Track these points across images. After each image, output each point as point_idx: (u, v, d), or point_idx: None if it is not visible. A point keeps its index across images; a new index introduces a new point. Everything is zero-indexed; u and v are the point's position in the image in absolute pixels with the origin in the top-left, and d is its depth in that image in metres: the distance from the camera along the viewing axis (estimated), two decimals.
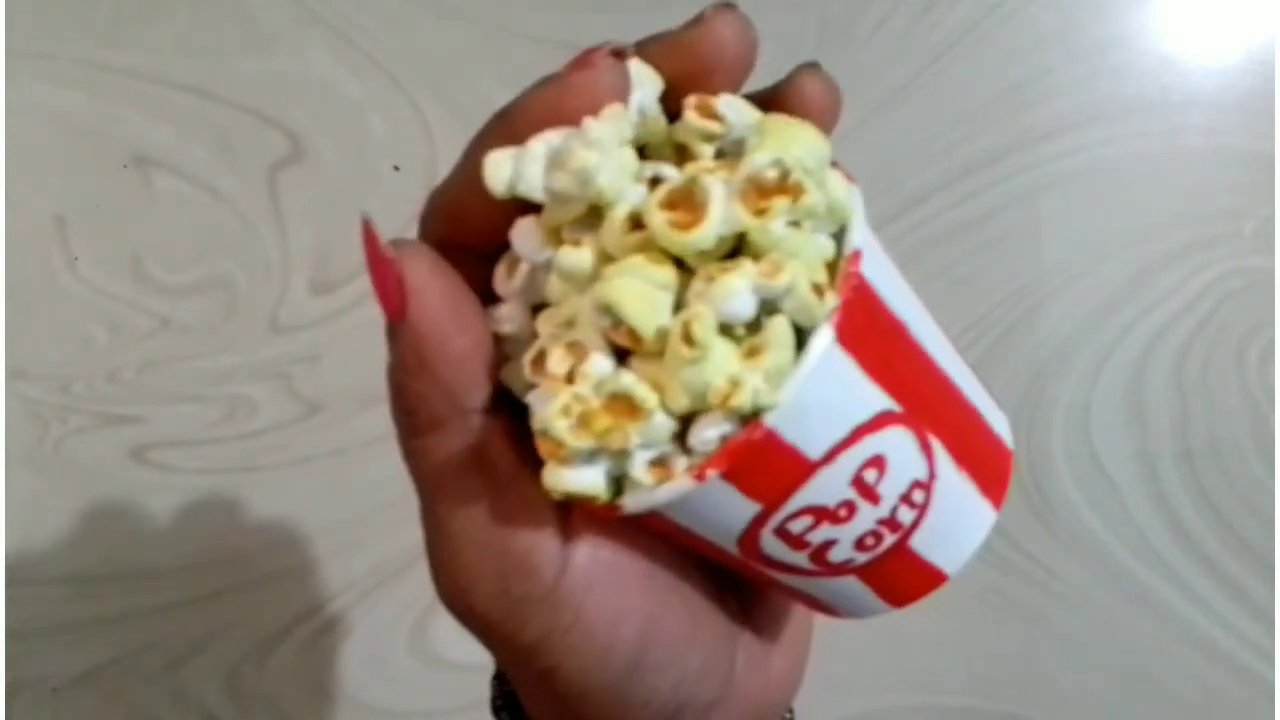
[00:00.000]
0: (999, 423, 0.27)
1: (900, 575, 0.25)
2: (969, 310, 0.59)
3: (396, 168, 0.57)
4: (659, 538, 0.25)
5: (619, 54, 0.22)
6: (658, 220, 0.21)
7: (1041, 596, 0.60)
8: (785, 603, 0.29)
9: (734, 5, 0.23)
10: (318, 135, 0.57)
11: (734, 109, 0.22)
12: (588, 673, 0.24)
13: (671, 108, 0.23)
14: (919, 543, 0.25)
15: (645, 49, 0.23)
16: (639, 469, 0.22)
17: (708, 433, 0.21)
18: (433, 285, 0.22)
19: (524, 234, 0.23)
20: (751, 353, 0.21)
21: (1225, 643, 0.59)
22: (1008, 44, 0.59)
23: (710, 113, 0.22)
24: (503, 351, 0.24)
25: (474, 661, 0.56)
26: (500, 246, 0.23)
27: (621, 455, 0.22)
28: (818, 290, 0.21)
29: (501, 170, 0.22)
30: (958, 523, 0.25)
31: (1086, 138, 0.59)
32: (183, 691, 0.55)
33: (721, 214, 0.21)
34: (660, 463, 0.22)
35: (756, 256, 0.21)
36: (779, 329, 0.21)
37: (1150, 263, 0.59)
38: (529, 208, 0.22)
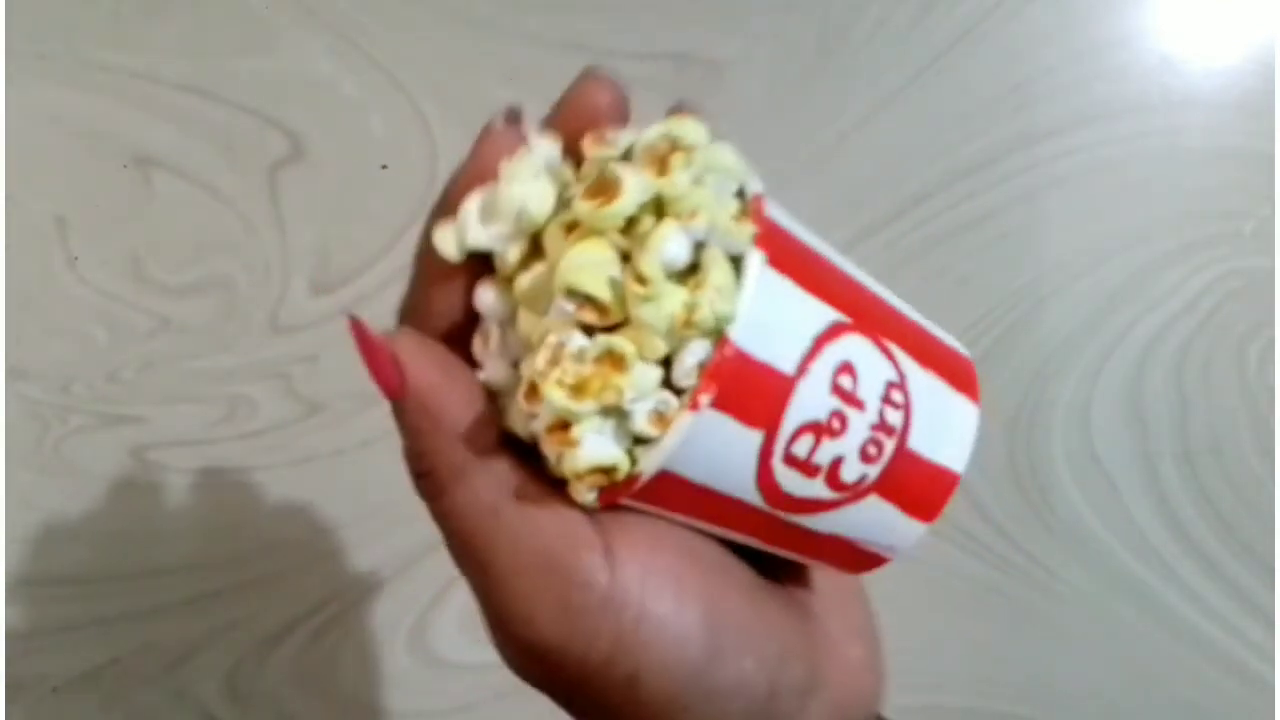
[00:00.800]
0: (948, 338, 0.29)
1: (915, 481, 0.27)
2: (969, 310, 0.59)
3: (384, 166, 0.57)
4: (692, 524, 0.26)
5: (513, 114, 0.26)
6: (585, 208, 0.24)
7: (1041, 596, 0.60)
8: (838, 587, 0.30)
9: (598, 69, 0.26)
10: (318, 135, 0.57)
11: (626, 134, 0.25)
12: (670, 668, 0.25)
13: (576, 165, 0.26)
14: (917, 442, 0.26)
15: (541, 124, 0.26)
16: (642, 422, 0.24)
17: (687, 361, 0.24)
18: (423, 355, 0.25)
19: (484, 295, 0.25)
20: (699, 284, 0.23)
21: (1225, 642, 0.59)
22: (1008, 44, 0.60)
23: (604, 140, 0.25)
24: (498, 408, 0.26)
25: (473, 661, 0.56)
26: (467, 330, 0.26)
27: (622, 415, 0.24)
28: (737, 223, 0.24)
29: (447, 238, 0.25)
30: (945, 418, 0.27)
31: (1086, 138, 0.59)
32: (182, 691, 0.55)
33: (635, 182, 0.24)
34: (660, 417, 0.24)
35: (678, 215, 0.24)
36: (714, 255, 0.24)
37: (1150, 262, 0.59)
38: (477, 279, 0.26)
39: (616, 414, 0.24)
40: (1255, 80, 0.59)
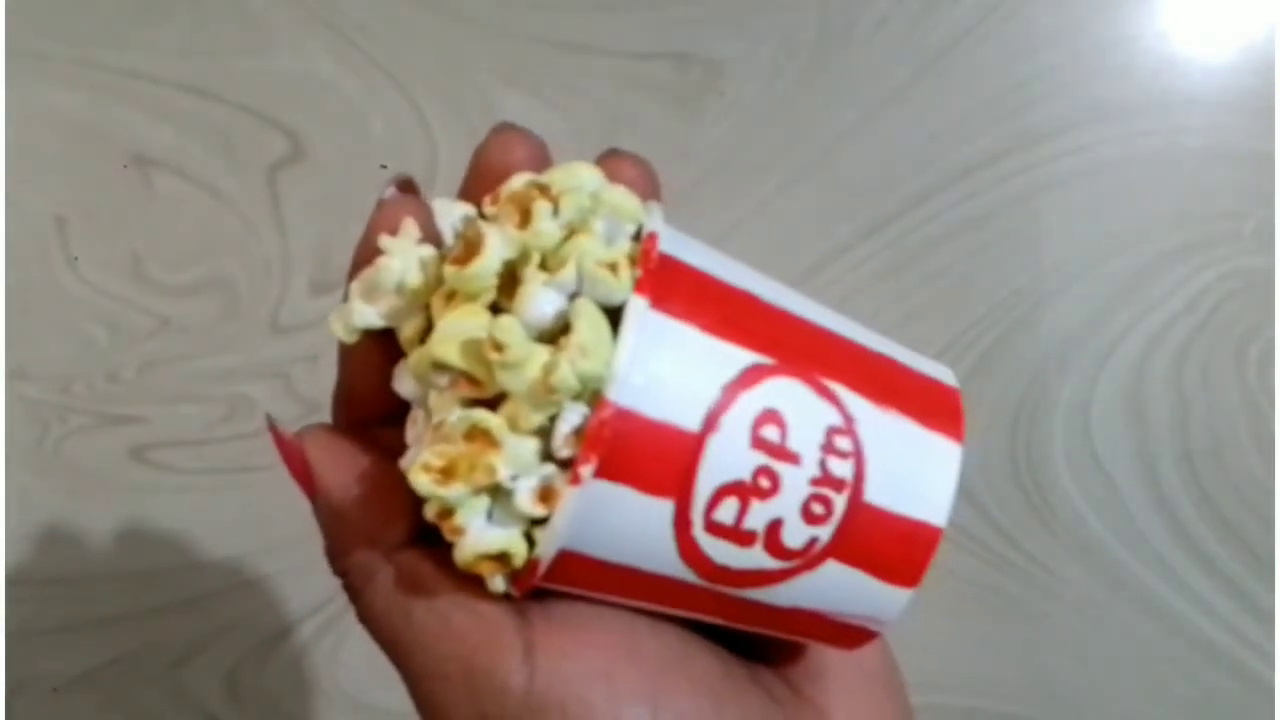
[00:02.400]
0: (925, 365, 0.26)
1: (880, 541, 0.23)
2: (969, 310, 0.59)
3: (384, 166, 0.57)
4: (641, 612, 0.24)
5: (404, 185, 0.24)
6: (450, 272, 0.22)
7: (1041, 596, 0.60)
8: (848, 665, 0.27)
9: (510, 123, 0.24)
10: (318, 135, 0.57)
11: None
12: None
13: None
14: (877, 495, 0.23)
15: (459, 189, 0.25)
16: (526, 501, 0.22)
17: (562, 429, 0.21)
18: (330, 450, 0.24)
19: (399, 377, 0.24)
20: (566, 343, 0.21)
21: (1225, 643, 0.59)
22: (1008, 44, 0.59)
23: (497, 197, 0.23)
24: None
25: None
26: (404, 408, 0.24)
27: (503, 495, 0.22)
28: (611, 269, 0.22)
29: (337, 321, 0.24)
30: (914, 463, 0.24)
31: (1087, 138, 0.59)
32: (183, 691, 0.55)
33: (497, 239, 0.22)
34: (547, 493, 0.22)
35: (550, 268, 0.22)
36: (581, 307, 0.21)
37: (1150, 263, 0.59)
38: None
39: (499, 495, 0.22)
40: (1255, 80, 0.59)
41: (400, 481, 0.23)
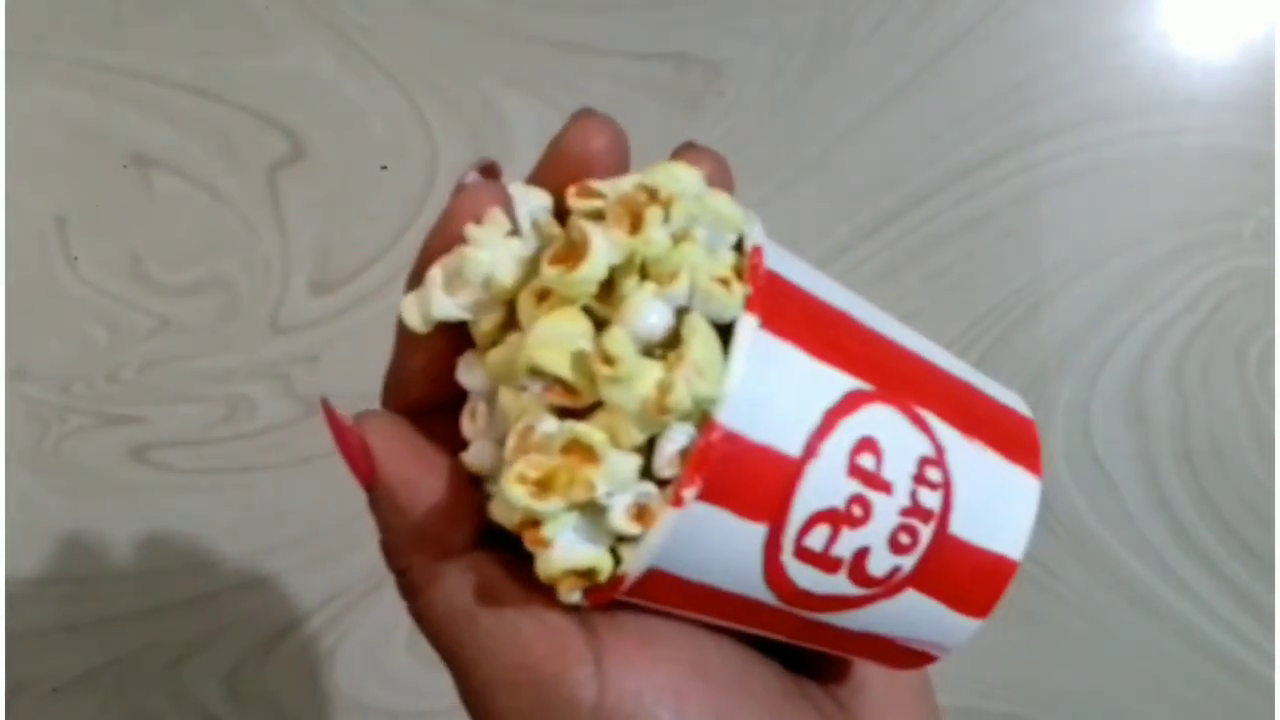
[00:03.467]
0: (1004, 395, 0.26)
1: (960, 573, 0.23)
2: (969, 310, 0.59)
3: (384, 167, 0.57)
4: (703, 626, 0.23)
5: (488, 169, 0.23)
6: (551, 273, 0.21)
7: (1041, 596, 0.60)
8: (893, 683, 0.27)
9: (592, 109, 0.23)
10: (318, 135, 0.57)
11: (612, 183, 0.23)
12: None
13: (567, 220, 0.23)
14: (962, 527, 0.23)
15: (530, 176, 0.24)
16: (620, 519, 0.21)
17: (667, 450, 0.21)
18: (393, 440, 0.23)
19: (465, 368, 0.23)
20: (676, 360, 0.21)
21: (1225, 642, 0.59)
22: (1008, 44, 0.59)
23: (589, 191, 0.22)
24: (485, 492, 0.24)
25: None
26: (462, 398, 0.24)
27: (599, 511, 0.21)
28: (724, 284, 0.21)
29: (412, 308, 0.23)
30: (996, 497, 0.24)
31: (1086, 138, 0.59)
32: (183, 691, 0.55)
33: (603, 243, 0.21)
34: (642, 511, 0.21)
35: (658, 278, 0.21)
36: (694, 323, 0.21)
37: (1150, 263, 0.59)
38: (468, 347, 0.23)
39: (592, 509, 0.21)
40: (1255, 80, 0.59)
41: (466, 479, 0.23)
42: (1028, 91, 0.59)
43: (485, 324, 0.23)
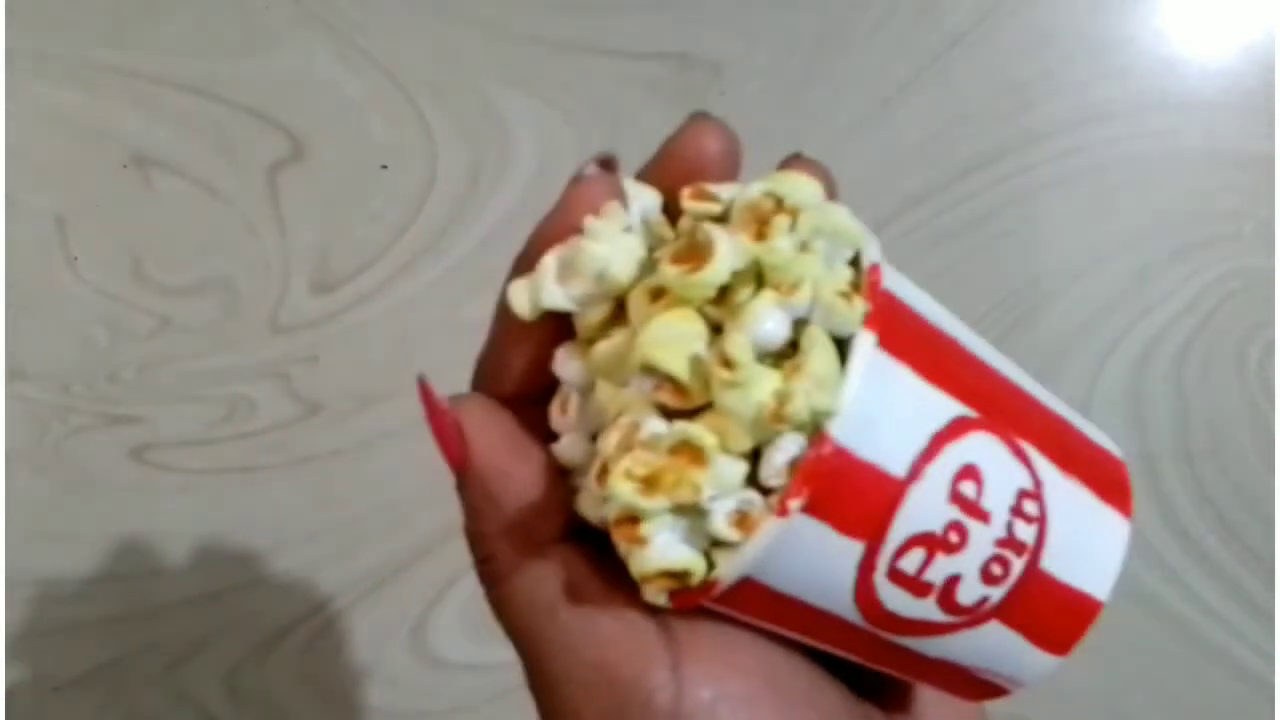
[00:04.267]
0: (1096, 433, 0.26)
1: (1046, 609, 0.23)
2: (968, 311, 0.56)
3: (384, 167, 0.57)
4: (777, 639, 0.23)
5: (606, 162, 0.23)
6: (671, 273, 0.21)
7: None
8: (952, 710, 0.27)
9: (707, 113, 0.23)
10: (317, 135, 0.57)
11: (728, 189, 0.23)
12: None
13: (676, 220, 0.23)
14: (1052, 563, 0.23)
15: (640, 172, 0.24)
16: (721, 524, 0.21)
17: (776, 459, 0.21)
18: (489, 426, 0.23)
19: (563, 359, 0.23)
20: (794, 370, 0.20)
21: (1225, 642, 0.59)
22: (1008, 44, 0.59)
23: (705, 195, 0.22)
24: (572, 485, 0.24)
25: (473, 661, 0.56)
26: (551, 388, 0.24)
27: (699, 514, 0.21)
28: (845, 298, 0.21)
29: (522, 295, 0.23)
30: (1088, 535, 0.24)
31: (1086, 138, 0.59)
32: (183, 692, 0.55)
33: (728, 247, 0.21)
34: (744, 519, 0.21)
35: (778, 286, 0.21)
36: (815, 335, 0.21)
37: (1149, 263, 0.59)
38: (565, 339, 0.23)
39: (692, 512, 0.21)
40: (1254, 81, 0.59)
41: (556, 472, 0.23)
42: (1027, 92, 0.59)
43: (591, 317, 0.23)
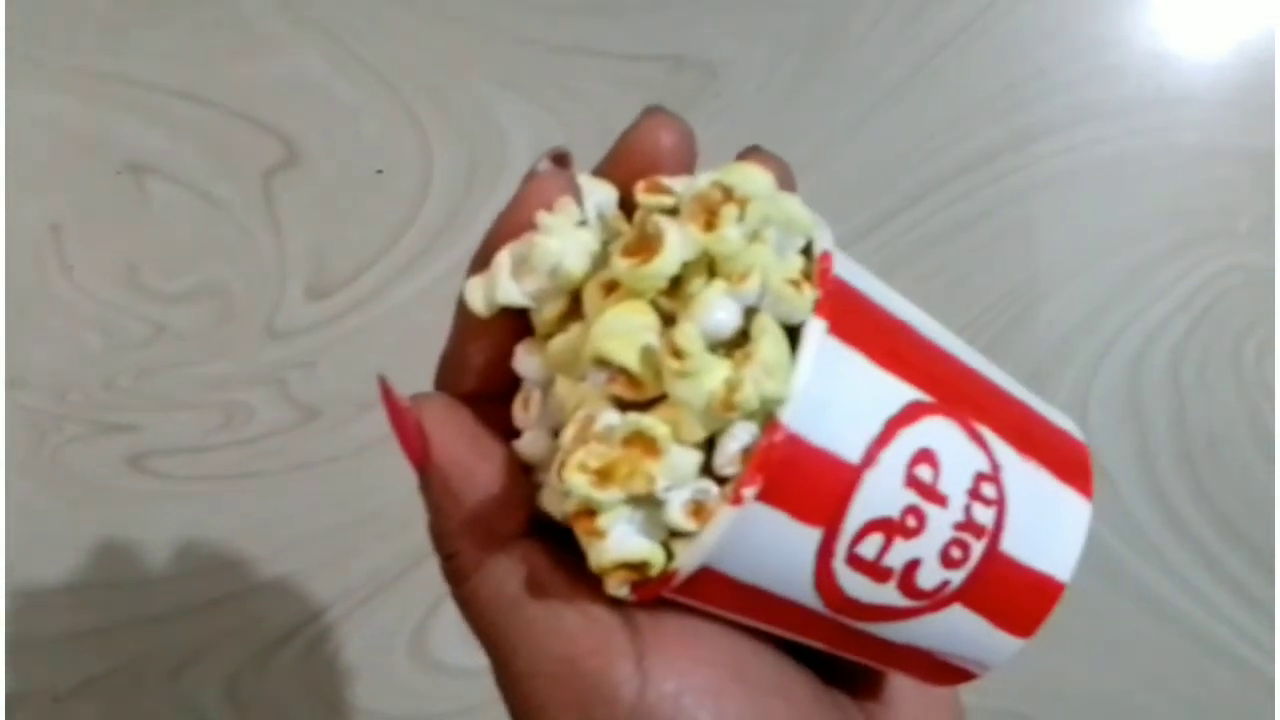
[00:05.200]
0: (1056, 416, 0.26)
1: (1008, 591, 0.23)
2: (963, 311, 0.59)
3: (380, 171, 0.57)
4: (743, 629, 0.24)
5: (560, 158, 0.24)
6: (622, 265, 0.21)
7: None
8: (924, 696, 0.27)
9: (661, 106, 0.24)
10: (312, 140, 0.57)
11: (683, 182, 0.23)
12: None
13: (632, 214, 0.23)
14: (1012, 545, 0.23)
15: (596, 167, 0.24)
16: (677, 514, 0.21)
17: (730, 448, 0.21)
18: (450, 424, 0.23)
19: (523, 355, 0.23)
20: (745, 358, 0.21)
21: (1226, 639, 0.59)
22: (1001, 43, 0.59)
23: (659, 188, 0.22)
24: (535, 482, 0.24)
25: (474, 666, 0.55)
26: (515, 385, 0.24)
27: (655, 505, 0.21)
28: (795, 286, 0.21)
29: (477, 292, 0.23)
30: (1048, 517, 0.24)
31: (1080, 136, 0.59)
32: (183, 700, 0.55)
33: (677, 238, 0.21)
34: (699, 508, 0.21)
35: (728, 276, 0.21)
36: (764, 324, 0.21)
37: (1145, 261, 0.59)
38: (525, 335, 0.24)
39: (649, 503, 0.21)
40: (1250, 76, 0.59)
41: (519, 468, 0.23)
42: (1021, 91, 0.59)
43: (547, 312, 0.23)
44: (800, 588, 0.22)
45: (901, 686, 0.27)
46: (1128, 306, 0.59)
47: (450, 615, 0.58)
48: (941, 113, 0.59)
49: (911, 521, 0.22)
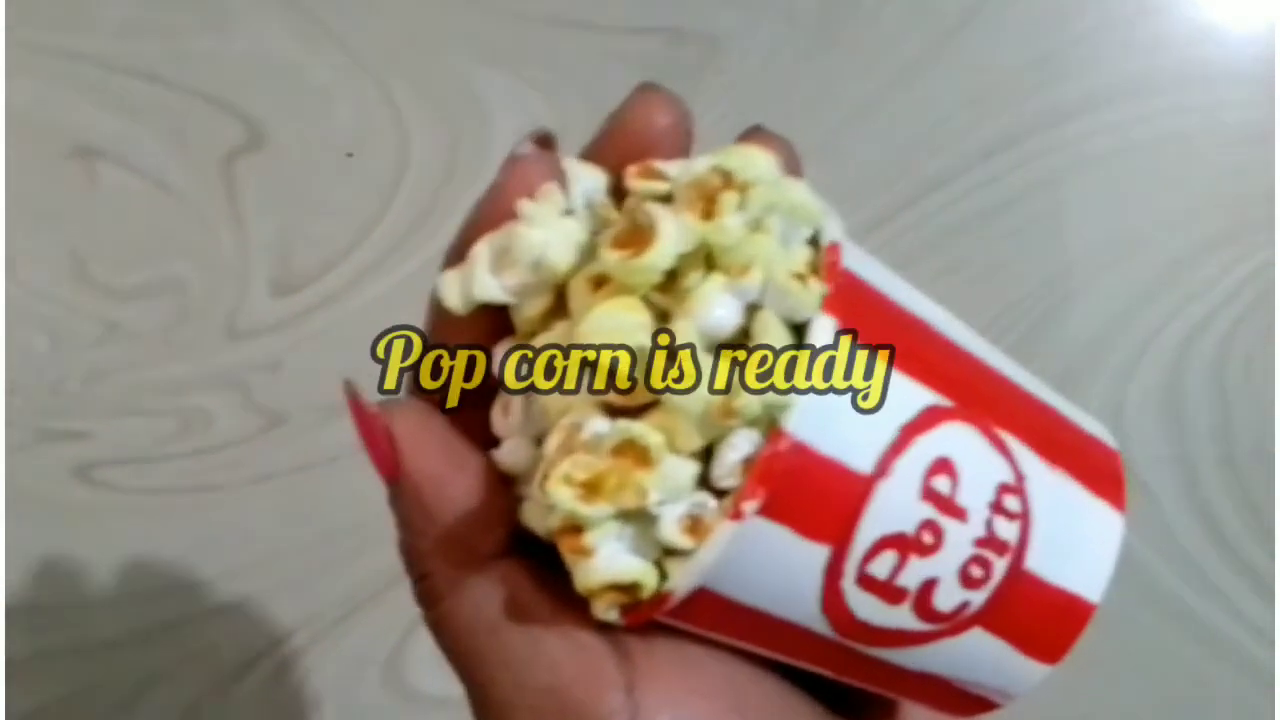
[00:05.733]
0: (1086, 420, 0.25)
1: (1034, 612, 0.23)
2: (990, 305, 0.58)
3: (351, 155, 0.57)
4: (742, 655, 0.23)
5: (544, 140, 0.23)
6: (612, 258, 0.21)
7: None
8: (908, 713, 0.26)
9: (655, 84, 0.23)
10: (278, 121, 0.56)
11: (677, 166, 0.22)
12: None
13: (623, 201, 0.23)
14: (1038, 563, 0.22)
15: (584, 151, 0.24)
16: (671, 530, 0.21)
17: (729, 458, 0.20)
18: (423, 433, 0.23)
19: (501, 357, 0.23)
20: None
21: (1273, 665, 0.58)
22: (1031, 14, 0.59)
23: (652, 173, 0.22)
24: (516, 495, 0.23)
25: (454, 695, 0.53)
26: (493, 389, 0.24)
27: (648, 521, 0.21)
28: (801, 280, 0.21)
29: (453, 286, 0.22)
30: (1077, 532, 0.23)
31: (1118, 115, 0.59)
32: None
33: (672, 228, 0.21)
34: (696, 524, 0.21)
35: (728, 269, 0.21)
36: (767, 321, 0.20)
37: (1187, 251, 0.59)
38: (505, 334, 0.23)
39: (640, 518, 0.21)
40: None
41: (498, 480, 0.23)
42: (1053, 66, 0.59)
43: (530, 309, 0.22)
44: (806, 610, 0.22)
45: (913, 715, 0.27)
46: (1168, 301, 0.58)
47: (428, 640, 0.55)
48: (966, 90, 0.59)
49: (928, 537, 0.21)
